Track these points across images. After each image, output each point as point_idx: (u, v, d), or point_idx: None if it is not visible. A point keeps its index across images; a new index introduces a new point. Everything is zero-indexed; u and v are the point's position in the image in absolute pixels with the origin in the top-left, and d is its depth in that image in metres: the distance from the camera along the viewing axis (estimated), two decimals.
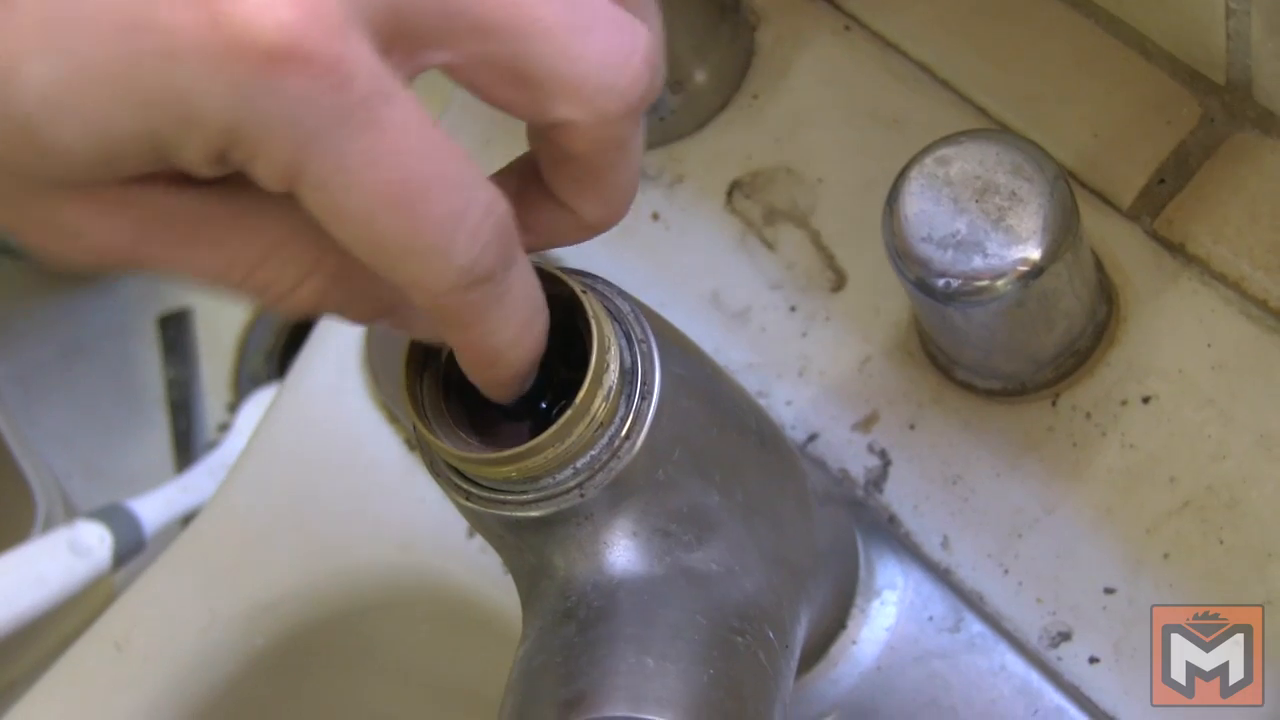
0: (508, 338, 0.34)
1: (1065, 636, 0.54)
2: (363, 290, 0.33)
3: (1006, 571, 0.56)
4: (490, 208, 0.30)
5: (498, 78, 0.31)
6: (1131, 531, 0.55)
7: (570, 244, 0.37)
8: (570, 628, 0.38)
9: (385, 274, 0.30)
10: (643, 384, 0.38)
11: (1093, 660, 0.54)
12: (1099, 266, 0.57)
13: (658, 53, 0.33)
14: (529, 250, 0.35)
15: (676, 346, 0.40)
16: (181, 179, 0.29)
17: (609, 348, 0.37)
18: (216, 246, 0.31)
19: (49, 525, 1.16)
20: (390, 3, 0.28)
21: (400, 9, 0.29)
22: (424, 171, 0.29)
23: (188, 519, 1.16)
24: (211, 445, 1.30)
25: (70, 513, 1.20)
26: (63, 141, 0.27)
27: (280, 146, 0.27)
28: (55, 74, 0.26)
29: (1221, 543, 0.54)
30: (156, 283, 1.38)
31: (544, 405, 0.38)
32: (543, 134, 0.33)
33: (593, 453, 0.37)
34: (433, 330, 0.35)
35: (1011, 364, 0.56)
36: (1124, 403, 0.56)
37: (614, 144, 0.33)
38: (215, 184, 0.30)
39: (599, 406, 0.37)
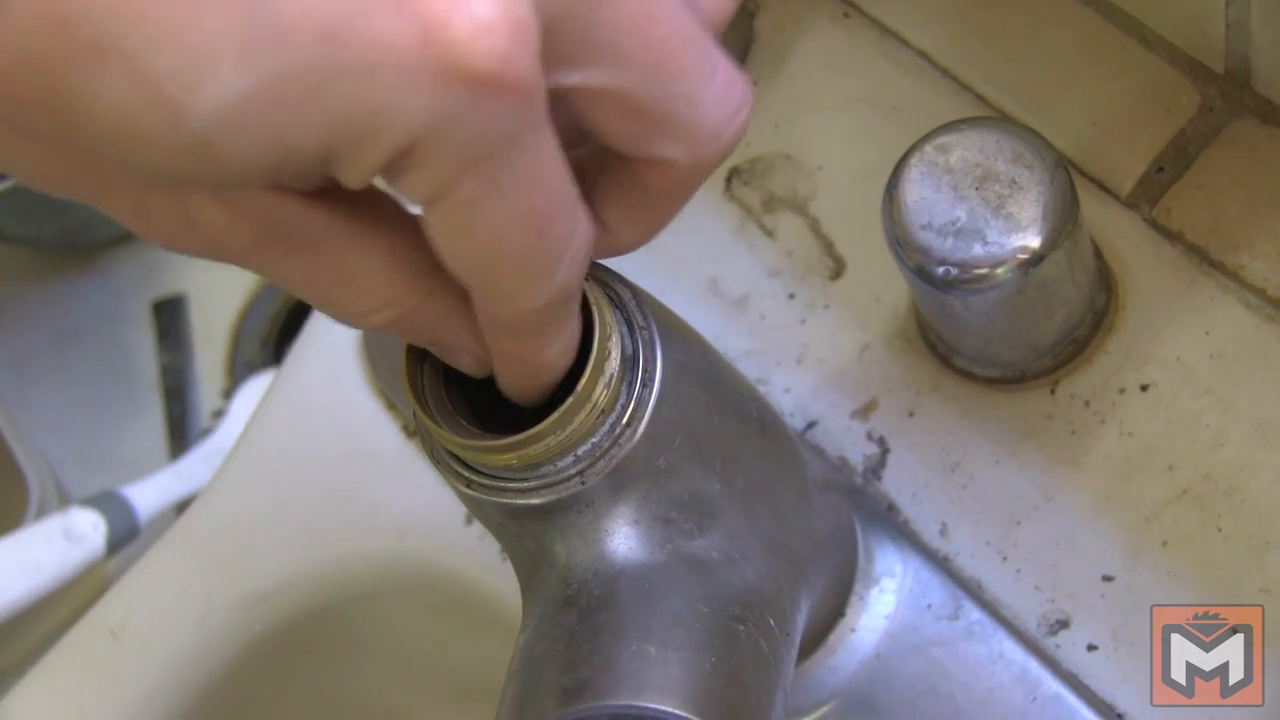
0: (561, 349, 0.35)
1: (1064, 624, 0.54)
2: (426, 326, 0.35)
3: (1005, 559, 0.56)
4: (586, 233, 0.32)
5: (616, 107, 0.31)
6: (1130, 519, 0.55)
7: (595, 259, 0.38)
8: (571, 616, 0.38)
9: (483, 288, 0.31)
10: (644, 371, 0.38)
11: (1091, 648, 0.54)
12: (1098, 254, 0.57)
13: (752, 103, 0.33)
14: None
15: (677, 333, 0.40)
16: (305, 195, 0.30)
17: (610, 335, 0.37)
18: (316, 259, 0.32)
19: (43, 512, 1.16)
20: (547, 21, 0.28)
21: (553, 27, 0.28)
22: (559, 195, 0.30)
23: (182, 506, 1.16)
24: (206, 432, 1.30)
25: (64, 499, 1.20)
26: (238, 157, 0.26)
27: (448, 162, 0.27)
28: (245, 87, 0.25)
29: (1220, 531, 0.54)
30: (151, 267, 1.38)
31: None
32: (629, 164, 0.34)
33: (594, 440, 0.37)
34: (474, 361, 0.36)
35: (1010, 352, 0.56)
36: (1122, 391, 0.56)
37: (694, 185, 0.34)
38: (331, 206, 0.31)
39: (600, 394, 0.37)
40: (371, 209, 0.32)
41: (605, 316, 0.37)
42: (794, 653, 0.43)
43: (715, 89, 0.32)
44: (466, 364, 0.37)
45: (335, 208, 0.31)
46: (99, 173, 0.30)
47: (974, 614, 0.54)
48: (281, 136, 0.26)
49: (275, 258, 0.32)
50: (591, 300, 0.37)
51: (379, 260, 0.32)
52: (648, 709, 0.35)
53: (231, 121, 0.26)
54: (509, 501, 0.38)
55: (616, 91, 0.31)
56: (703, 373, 0.40)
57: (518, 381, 0.36)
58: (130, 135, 0.26)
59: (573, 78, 0.30)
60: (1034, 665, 0.53)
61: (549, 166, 0.29)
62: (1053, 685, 0.53)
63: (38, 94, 0.26)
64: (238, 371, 1.33)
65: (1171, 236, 0.57)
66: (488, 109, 0.27)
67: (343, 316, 0.34)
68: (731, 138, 0.33)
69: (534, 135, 0.28)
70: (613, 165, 0.34)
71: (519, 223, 0.29)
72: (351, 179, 0.28)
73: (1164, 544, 0.54)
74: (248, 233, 0.31)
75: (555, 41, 0.29)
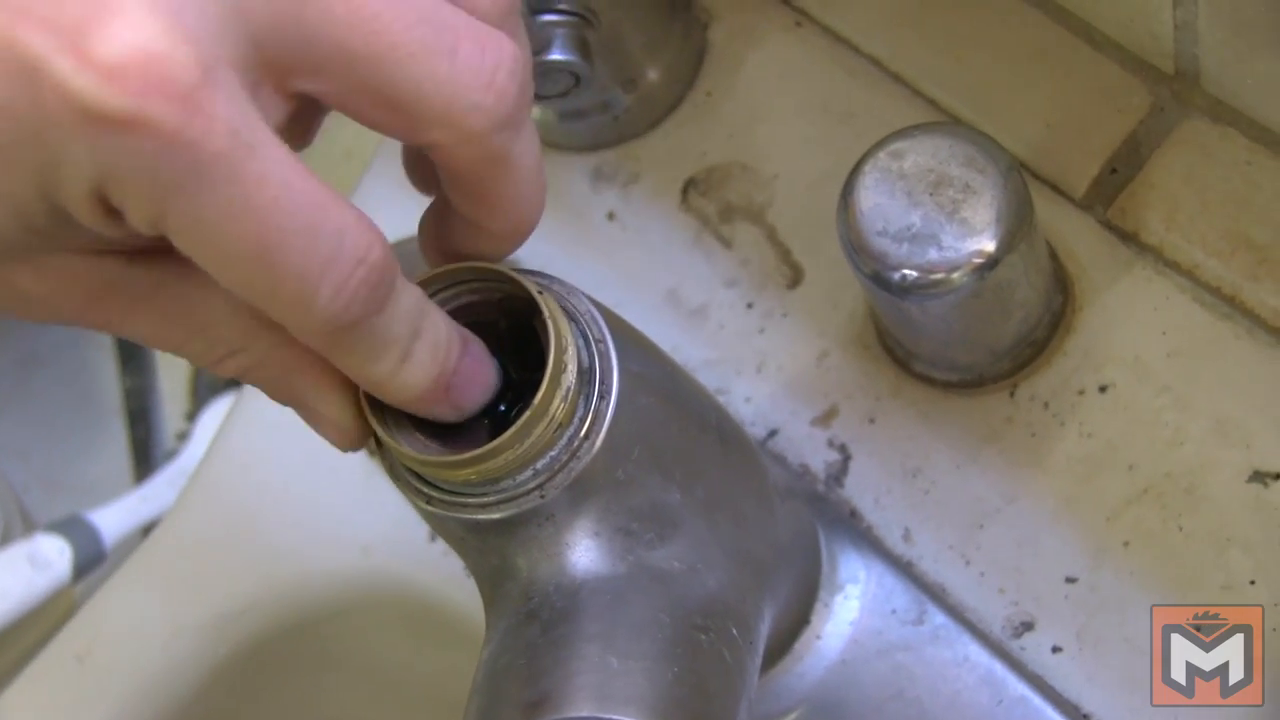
0: (386, 368, 0.34)
1: (1028, 626, 0.54)
2: (280, 377, 0.36)
3: (968, 563, 0.56)
4: (360, 257, 0.31)
5: (368, 103, 0.32)
6: (1092, 520, 0.55)
7: (494, 256, 0.38)
8: (534, 629, 0.38)
9: (258, 308, 0.32)
10: (601, 383, 0.38)
11: (1055, 649, 0.54)
12: (1053, 256, 0.57)
13: (524, 64, 0.33)
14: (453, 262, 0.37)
15: (634, 345, 0.40)
16: (127, 254, 0.31)
17: (566, 348, 0.37)
18: (155, 317, 0.34)
19: (7, 538, 1.15)
20: (252, 38, 0.29)
21: (262, 43, 0.29)
22: (282, 224, 0.29)
23: (149, 529, 1.15)
24: (170, 454, 1.30)
25: (29, 525, 1.20)
26: None
27: (141, 199, 0.28)
28: None
29: (1181, 529, 0.54)
30: None
31: (502, 407, 0.38)
32: (423, 155, 0.34)
33: (552, 453, 0.37)
34: (335, 431, 0.38)
35: (969, 355, 0.56)
36: (1081, 392, 0.56)
37: (491, 159, 0.34)
38: (159, 262, 0.32)
39: (557, 407, 0.37)
40: None
41: (561, 329, 0.37)
42: (758, 661, 0.43)
43: (460, 61, 0.32)
44: (327, 432, 0.38)
45: (165, 263, 0.32)
46: None
47: (938, 618, 0.55)
48: (8, 198, 0.29)
49: (117, 317, 0.34)
50: (547, 314, 0.37)
51: (222, 309, 0.34)
52: None
53: None
54: (469, 517, 0.38)
55: (358, 89, 0.31)
56: (660, 383, 0.41)
57: (384, 398, 0.36)
58: None
59: (310, 84, 0.31)
60: (999, 668, 0.54)
61: (263, 194, 0.29)
62: (1018, 687, 0.53)
63: None
64: (201, 393, 1.33)
65: (1126, 237, 0.57)
66: (140, 150, 0.27)
67: (199, 364, 0.35)
68: (494, 103, 0.33)
69: (229, 165, 0.28)
70: (427, 161, 0.35)
71: (241, 254, 0.29)
72: (89, 221, 0.29)
73: (1126, 544, 0.54)
74: (78, 296, 0.33)
75: (276, 53, 0.30)
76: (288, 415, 0.67)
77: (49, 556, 1.11)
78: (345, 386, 0.36)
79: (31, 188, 0.29)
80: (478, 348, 0.37)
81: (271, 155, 0.29)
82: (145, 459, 1.32)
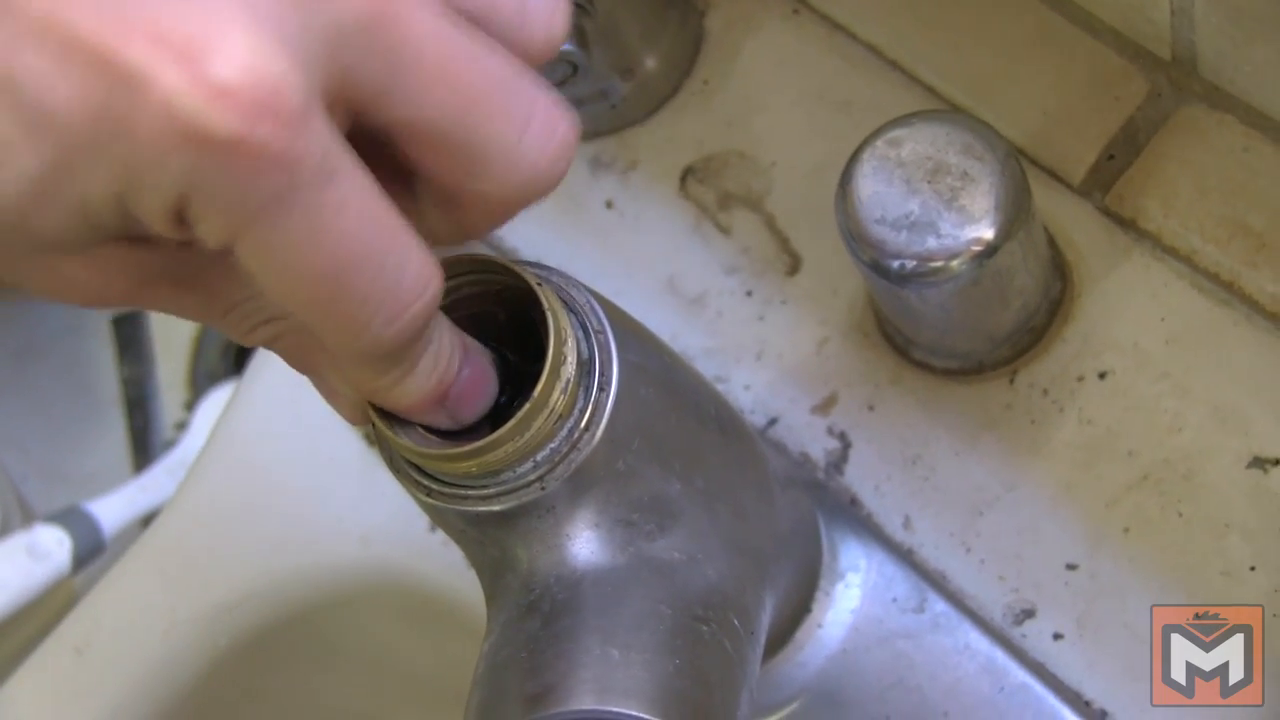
0: (389, 380, 0.35)
1: (1029, 614, 0.54)
2: (304, 351, 0.37)
3: (969, 550, 0.56)
4: (419, 292, 0.32)
5: (428, 147, 0.32)
6: (1091, 506, 0.55)
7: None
8: (535, 621, 0.38)
9: (305, 323, 0.32)
10: (600, 375, 0.38)
11: (1056, 636, 0.54)
12: (1052, 243, 0.57)
13: (576, 143, 0.34)
14: None
15: (633, 336, 0.40)
16: (176, 243, 0.31)
17: (566, 339, 0.37)
18: (198, 297, 0.35)
19: (6, 530, 1.15)
20: (344, 64, 0.29)
21: (351, 70, 0.30)
22: (355, 251, 0.30)
23: (147, 519, 1.16)
24: (169, 444, 1.30)
25: (28, 516, 1.20)
26: (54, 224, 0.30)
27: (222, 218, 0.29)
28: (38, 166, 0.28)
29: (1180, 515, 0.54)
30: None
31: (502, 399, 0.38)
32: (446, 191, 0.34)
33: (552, 445, 0.37)
34: (348, 407, 0.38)
35: (968, 343, 0.56)
36: (1080, 378, 0.56)
37: (507, 215, 0.34)
38: (196, 247, 0.32)
39: (557, 399, 0.37)
40: None
41: (560, 321, 0.37)
42: (759, 651, 0.43)
43: (532, 133, 0.32)
44: (339, 405, 0.38)
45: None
46: None
47: (939, 606, 0.55)
48: (80, 202, 0.29)
49: (164, 295, 0.34)
50: (546, 305, 0.37)
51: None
52: (612, 713, 0.35)
53: (35, 196, 0.29)
54: (470, 509, 0.38)
55: (422, 134, 0.32)
56: (660, 374, 0.41)
57: (398, 410, 0.36)
58: None
59: (378, 118, 0.31)
60: (1000, 655, 0.54)
61: (340, 222, 0.30)
62: (1019, 674, 0.53)
63: None
64: (199, 382, 1.33)
65: (1124, 223, 0.57)
66: (237, 171, 0.28)
67: (230, 334, 0.36)
68: (549, 181, 0.33)
69: (312, 192, 0.29)
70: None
71: (310, 278, 0.30)
72: (158, 229, 0.30)
73: (1125, 530, 0.54)
74: (124, 282, 0.33)
75: (355, 85, 0.30)
76: (286, 406, 0.68)
77: (48, 547, 1.11)
78: None
79: (108, 191, 0.29)
80: (479, 358, 0.37)
81: (353, 181, 0.30)
82: (144, 449, 1.32)
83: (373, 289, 0.31)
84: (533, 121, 0.32)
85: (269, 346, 0.37)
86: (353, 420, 0.38)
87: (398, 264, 0.31)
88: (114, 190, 0.29)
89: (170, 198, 0.28)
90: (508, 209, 0.34)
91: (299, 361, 0.37)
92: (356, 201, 0.30)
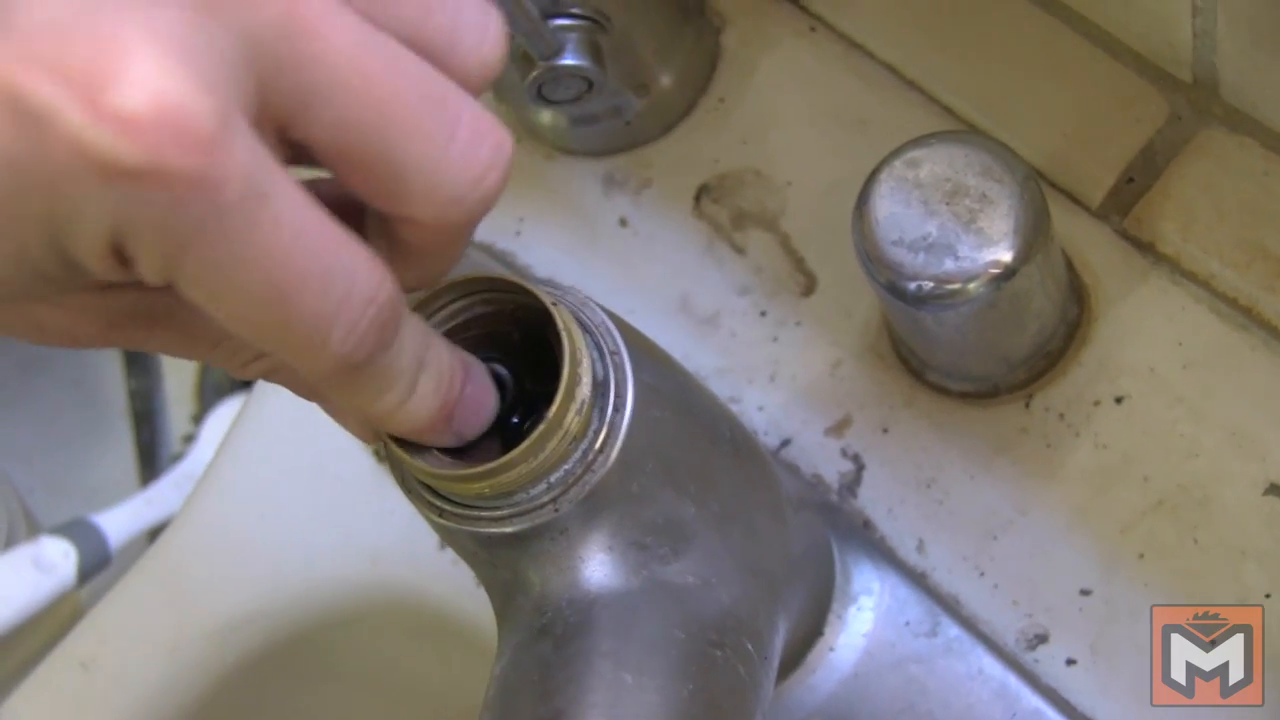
0: (392, 402, 0.34)
1: (1042, 639, 0.54)
2: (297, 380, 0.36)
3: (982, 574, 0.55)
4: (371, 298, 0.30)
5: (352, 167, 0.31)
6: (1106, 531, 0.55)
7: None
8: (546, 644, 0.37)
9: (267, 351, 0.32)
10: (615, 396, 0.37)
11: (1070, 662, 0.54)
12: (1069, 266, 0.57)
13: (510, 161, 0.32)
14: None
15: (648, 357, 0.39)
16: (139, 285, 0.30)
17: (581, 360, 0.37)
18: (174, 335, 0.34)
19: (12, 541, 1.15)
20: (258, 84, 0.28)
21: (266, 90, 0.29)
22: (297, 268, 0.29)
23: (154, 532, 1.15)
24: (176, 457, 1.29)
25: (34, 528, 1.19)
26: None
27: (155, 251, 0.28)
28: None
29: (1195, 541, 0.54)
30: None
31: (515, 420, 0.38)
32: (381, 217, 0.33)
33: (566, 467, 0.37)
34: (358, 426, 0.38)
35: (983, 366, 0.56)
36: (1096, 403, 0.56)
37: (447, 242, 0.33)
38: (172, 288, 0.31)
39: (572, 420, 0.36)
40: None
41: (576, 342, 0.37)
42: (772, 676, 0.43)
43: (455, 150, 0.31)
44: (351, 426, 0.37)
45: None
46: None
47: (952, 630, 0.54)
48: (18, 251, 0.28)
49: (140, 337, 0.34)
50: (561, 326, 0.36)
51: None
52: None
53: None
54: (482, 530, 0.37)
55: (343, 152, 0.30)
56: (674, 396, 0.40)
57: (403, 433, 0.36)
58: None
59: (300, 136, 0.30)
60: (1013, 680, 0.53)
61: (278, 239, 0.28)
62: (1032, 700, 0.53)
63: None
64: (207, 396, 1.33)
65: (1142, 247, 0.57)
66: (156, 202, 0.27)
67: (230, 369, 0.36)
68: (477, 201, 0.32)
69: (243, 213, 0.28)
70: (373, 215, 0.34)
71: (255, 300, 0.29)
72: (100, 271, 0.29)
73: (1140, 555, 0.54)
74: (96, 325, 0.33)
75: (274, 101, 0.29)
76: (295, 422, 0.67)
77: (54, 559, 1.10)
78: None
79: (40, 239, 0.28)
80: (478, 371, 0.36)
81: (286, 198, 0.28)
82: (150, 462, 1.32)
83: (324, 304, 0.30)
84: (457, 136, 0.31)
85: (268, 379, 0.36)
86: (366, 439, 0.38)
87: (346, 273, 0.30)
88: (46, 235, 0.28)
89: (102, 237, 0.28)
90: (439, 234, 0.33)
91: (301, 388, 0.37)
92: (292, 218, 0.29)
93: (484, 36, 0.33)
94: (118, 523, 1.15)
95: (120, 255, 0.28)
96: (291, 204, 0.29)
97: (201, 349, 0.35)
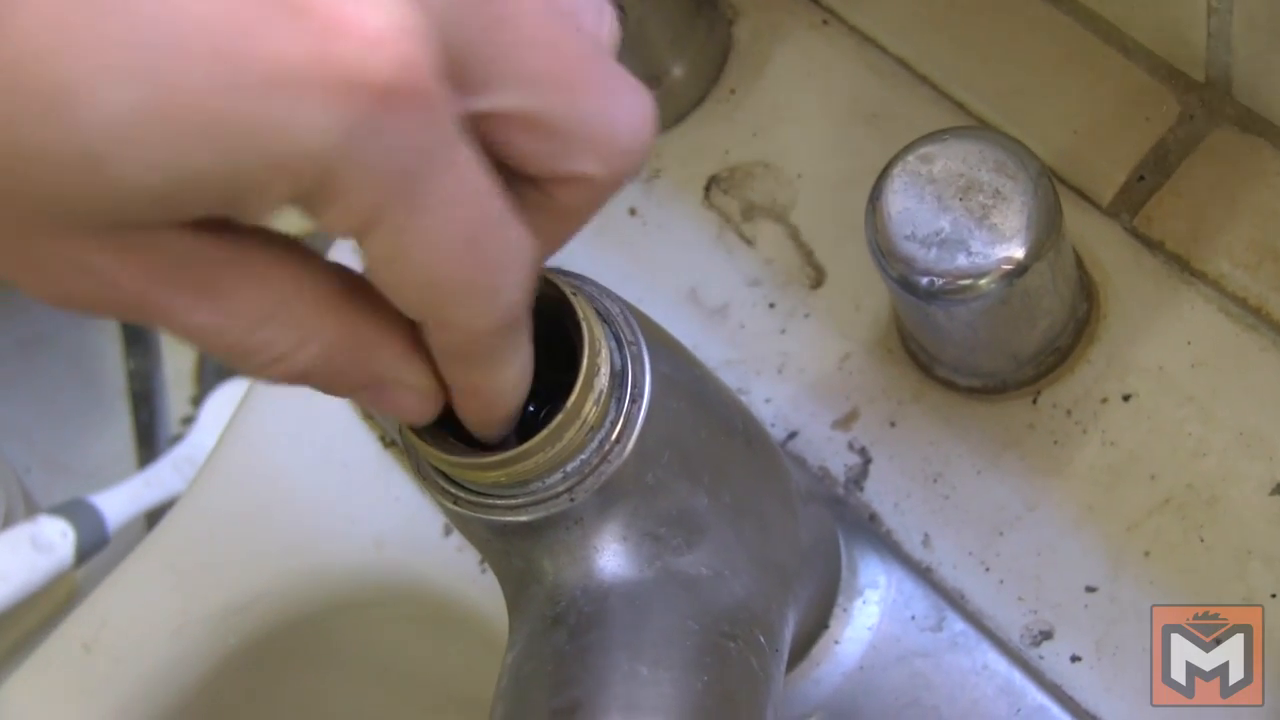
0: (514, 378, 0.34)
1: (1047, 635, 0.54)
2: (355, 361, 0.32)
3: (988, 569, 0.56)
4: (526, 247, 0.31)
5: (529, 129, 0.31)
6: (1112, 529, 0.55)
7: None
8: (560, 634, 0.37)
9: (433, 315, 0.31)
10: (633, 387, 0.37)
11: (1074, 659, 0.54)
12: (1079, 264, 0.57)
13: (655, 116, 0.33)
14: None
15: (664, 347, 0.39)
16: (197, 224, 0.28)
17: (600, 350, 0.37)
18: (225, 297, 0.29)
19: (10, 521, 1.15)
20: (446, 47, 0.27)
21: (456, 55, 0.28)
22: (490, 211, 0.29)
23: (152, 514, 1.15)
24: (175, 439, 1.29)
25: (31, 508, 1.19)
26: (127, 179, 0.25)
27: (368, 187, 0.26)
28: (133, 101, 0.24)
29: (1202, 540, 0.54)
30: None
31: (531, 409, 0.38)
32: (537, 183, 0.33)
33: (583, 456, 0.37)
34: (417, 400, 0.35)
35: (992, 362, 0.56)
36: (1104, 400, 0.56)
37: (603, 199, 0.34)
38: (225, 231, 0.29)
39: (590, 410, 0.36)
40: (262, 240, 0.30)
41: (595, 332, 0.37)
42: (783, 668, 0.43)
43: (624, 104, 0.32)
44: (409, 404, 0.35)
45: (232, 240, 0.29)
46: None
47: (957, 625, 0.54)
48: (177, 159, 0.25)
49: (181, 304, 0.29)
50: (581, 315, 0.36)
51: (290, 289, 0.30)
52: None
53: (123, 138, 0.24)
54: (496, 519, 0.37)
55: (529, 113, 0.30)
56: (690, 387, 0.40)
57: (477, 416, 0.36)
58: (19, 154, 0.24)
59: (482, 103, 0.29)
60: (1018, 676, 0.53)
61: (474, 182, 0.28)
62: (1037, 696, 0.53)
63: None
64: (206, 378, 1.32)
65: (1152, 245, 0.57)
66: (394, 122, 0.26)
67: (266, 360, 0.31)
68: (641, 151, 0.32)
69: (450, 150, 0.28)
70: (519, 185, 0.33)
71: (454, 244, 0.29)
72: (257, 208, 0.27)
73: (1146, 554, 0.54)
74: (143, 273, 0.28)
75: (460, 67, 0.28)
76: (300, 406, 0.67)
77: (51, 539, 1.10)
78: (424, 348, 0.34)
79: (220, 153, 0.25)
80: None
81: (469, 143, 0.28)
82: (149, 443, 1.32)
83: (505, 251, 0.30)
84: (623, 91, 0.32)
85: (307, 375, 0.32)
86: (427, 414, 0.35)
87: (514, 223, 0.30)
88: (238, 147, 0.25)
89: (309, 167, 0.26)
90: (604, 190, 0.33)
91: (353, 374, 0.33)
92: (479, 160, 0.29)
93: (601, 13, 0.33)
94: (116, 504, 1.16)
95: (303, 189, 0.26)
96: (473, 149, 0.29)
97: (239, 328, 0.30)
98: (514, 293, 0.31)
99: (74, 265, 0.28)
